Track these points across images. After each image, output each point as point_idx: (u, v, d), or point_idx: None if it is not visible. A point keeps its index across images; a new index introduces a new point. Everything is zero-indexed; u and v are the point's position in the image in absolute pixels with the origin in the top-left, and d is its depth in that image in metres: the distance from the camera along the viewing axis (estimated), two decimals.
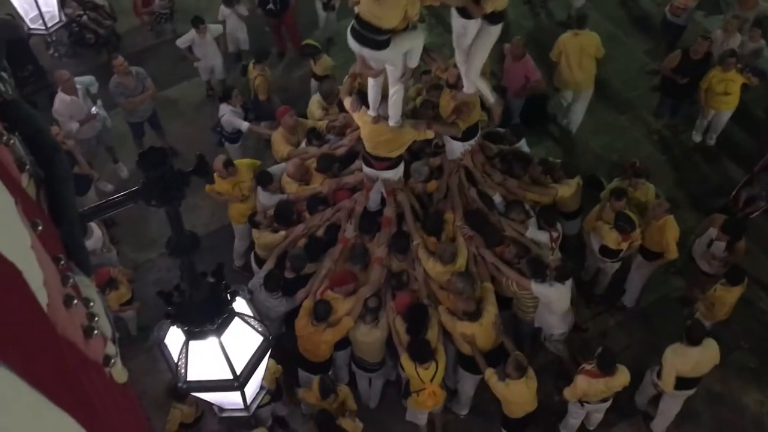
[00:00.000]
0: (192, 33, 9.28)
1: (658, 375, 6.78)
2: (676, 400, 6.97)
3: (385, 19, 5.34)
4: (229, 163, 7.40)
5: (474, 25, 6.01)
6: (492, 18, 5.90)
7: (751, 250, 7.67)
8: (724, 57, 8.63)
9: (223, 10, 9.67)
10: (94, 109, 8.46)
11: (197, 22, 9.19)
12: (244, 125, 8.44)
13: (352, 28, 5.53)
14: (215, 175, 7.31)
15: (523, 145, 7.93)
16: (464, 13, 5.98)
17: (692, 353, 6.54)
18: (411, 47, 5.89)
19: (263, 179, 7.40)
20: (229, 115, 8.37)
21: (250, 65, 9.02)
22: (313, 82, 9.12)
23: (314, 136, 7.60)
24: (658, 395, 7.10)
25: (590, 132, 9.80)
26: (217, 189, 7.45)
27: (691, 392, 6.93)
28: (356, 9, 5.51)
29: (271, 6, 9.83)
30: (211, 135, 8.86)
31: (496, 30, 6.02)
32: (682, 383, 6.73)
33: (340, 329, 6.46)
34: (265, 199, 7.37)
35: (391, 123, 6.45)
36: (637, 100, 10.18)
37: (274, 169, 7.64)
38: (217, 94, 9.39)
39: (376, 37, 5.41)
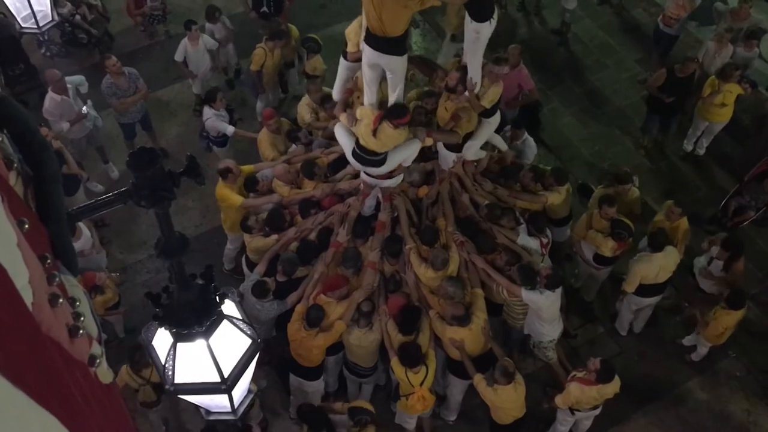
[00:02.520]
0: (184, 42, 9.13)
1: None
2: (635, 303, 7.63)
3: (380, 149, 6.21)
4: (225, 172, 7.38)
5: (488, 28, 6.09)
6: (487, 112, 6.73)
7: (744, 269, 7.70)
8: (726, 69, 8.62)
9: (208, 25, 9.57)
10: (84, 109, 8.41)
11: (189, 24, 9.03)
12: (230, 129, 8.39)
13: (354, 152, 6.37)
14: (220, 181, 7.30)
15: (529, 144, 8.01)
16: (477, 17, 6.02)
17: (656, 259, 7.16)
18: (407, 156, 6.64)
19: (249, 184, 7.39)
20: (213, 119, 8.31)
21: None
22: (305, 80, 9.14)
23: (292, 139, 7.63)
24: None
25: (581, 140, 9.84)
26: (221, 193, 7.41)
27: (651, 300, 7.54)
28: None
29: (265, 9, 9.79)
30: (199, 140, 8.81)
31: (495, 119, 6.96)
32: (645, 290, 7.40)
33: (332, 334, 6.45)
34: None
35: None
36: (628, 108, 10.23)
37: (265, 172, 7.63)
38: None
39: (373, 158, 6.27)
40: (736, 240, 7.52)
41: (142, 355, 6.39)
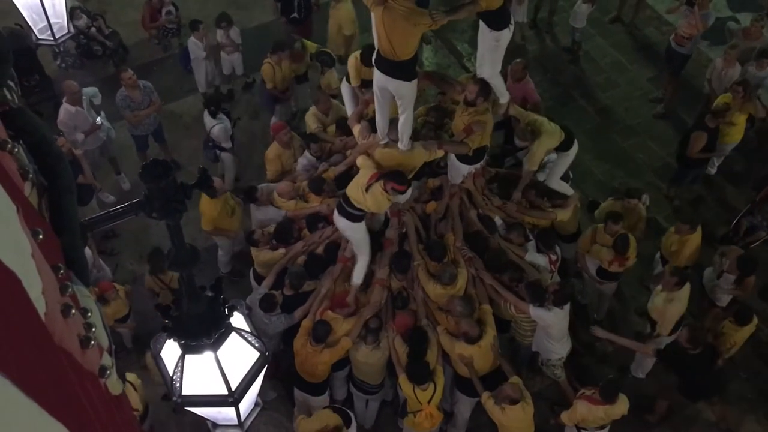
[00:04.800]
0: (193, 44, 9.32)
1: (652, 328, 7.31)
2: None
3: (363, 205, 6.20)
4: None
5: (507, 34, 6.21)
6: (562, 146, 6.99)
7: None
8: (733, 85, 8.63)
9: (219, 33, 9.70)
10: (98, 120, 8.49)
11: (195, 25, 9.29)
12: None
13: (339, 203, 6.38)
14: (203, 197, 7.29)
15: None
16: (496, 25, 6.10)
17: (683, 295, 7.03)
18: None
19: (250, 194, 7.43)
20: (218, 129, 8.50)
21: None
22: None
23: (311, 139, 7.67)
24: None
25: (592, 158, 9.82)
26: (206, 209, 7.43)
27: (674, 337, 7.27)
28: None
29: (295, 15, 9.85)
30: (204, 152, 8.82)
31: (572, 152, 7.15)
32: (674, 327, 7.17)
33: (338, 350, 6.43)
34: (261, 214, 7.39)
35: (400, 146, 6.44)
36: (639, 127, 10.22)
37: (270, 186, 7.66)
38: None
39: (354, 211, 6.25)
40: (750, 258, 7.49)
41: (159, 260, 7.17)
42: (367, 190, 6.04)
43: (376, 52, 5.96)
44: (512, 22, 6.23)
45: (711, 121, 8.48)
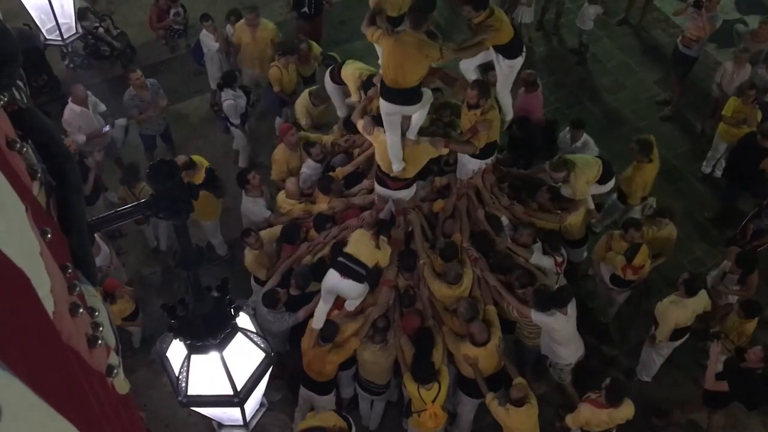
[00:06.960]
0: (205, 36, 9.35)
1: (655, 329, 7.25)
2: (667, 347, 7.33)
3: (385, 259, 6.55)
4: (189, 165, 7.43)
5: (520, 61, 6.57)
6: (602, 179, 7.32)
7: (758, 283, 7.63)
8: (743, 88, 8.58)
9: (228, 27, 9.73)
10: (107, 127, 8.50)
11: (205, 18, 9.26)
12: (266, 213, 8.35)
13: (340, 262, 6.32)
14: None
15: (589, 146, 8.13)
16: (509, 55, 6.44)
17: (690, 303, 6.95)
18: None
19: (242, 177, 7.52)
20: (230, 102, 8.61)
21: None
22: None
23: (309, 144, 7.68)
24: None
25: None
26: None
27: (680, 342, 7.32)
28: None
29: (305, 9, 9.84)
30: (217, 120, 9.24)
31: (607, 186, 7.55)
32: (675, 334, 7.16)
33: (345, 350, 6.44)
34: (250, 203, 7.50)
35: (409, 135, 6.49)
36: (646, 129, 10.13)
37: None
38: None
39: (360, 269, 6.28)
40: (750, 255, 7.46)
41: (132, 173, 7.64)
42: (379, 247, 6.31)
43: (380, 82, 6.17)
44: (524, 49, 6.59)
45: (765, 142, 8.26)
